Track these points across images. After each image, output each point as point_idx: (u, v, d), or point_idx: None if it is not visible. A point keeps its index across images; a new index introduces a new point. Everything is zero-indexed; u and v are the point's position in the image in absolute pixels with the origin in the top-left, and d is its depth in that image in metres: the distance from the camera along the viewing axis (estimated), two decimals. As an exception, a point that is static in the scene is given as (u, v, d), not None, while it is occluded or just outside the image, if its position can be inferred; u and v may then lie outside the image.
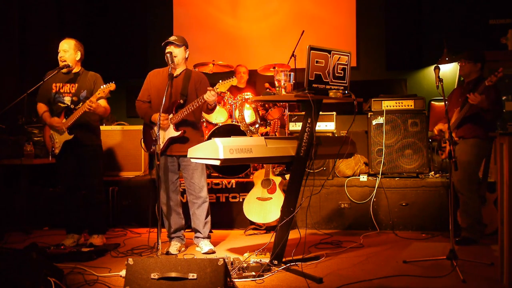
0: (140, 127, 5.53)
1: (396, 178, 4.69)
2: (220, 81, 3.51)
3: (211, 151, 2.84)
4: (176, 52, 3.67)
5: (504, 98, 4.93)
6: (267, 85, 5.62)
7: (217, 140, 2.82)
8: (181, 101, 3.66)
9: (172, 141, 3.67)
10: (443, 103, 3.89)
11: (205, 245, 3.76)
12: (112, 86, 3.73)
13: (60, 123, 3.88)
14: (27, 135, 4.93)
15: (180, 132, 3.64)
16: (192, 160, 3.17)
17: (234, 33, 6.85)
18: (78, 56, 3.98)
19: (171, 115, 3.64)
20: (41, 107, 4.02)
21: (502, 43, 5.41)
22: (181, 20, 6.95)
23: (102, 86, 3.75)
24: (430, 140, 4.84)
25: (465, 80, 4.12)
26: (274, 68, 5.57)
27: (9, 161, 4.66)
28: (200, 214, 3.78)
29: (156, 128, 3.57)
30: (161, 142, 3.62)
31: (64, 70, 3.95)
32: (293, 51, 5.52)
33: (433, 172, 4.93)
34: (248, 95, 5.17)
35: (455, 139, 3.94)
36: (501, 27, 5.63)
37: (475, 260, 3.31)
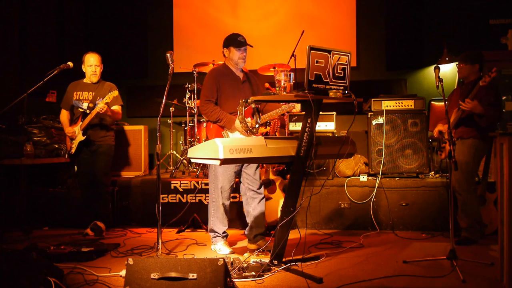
0: (140, 127, 5.61)
1: (396, 178, 4.69)
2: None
3: (211, 151, 2.84)
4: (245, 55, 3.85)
5: (504, 98, 4.91)
6: (267, 85, 5.62)
7: (217, 140, 2.82)
8: (258, 106, 3.75)
9: None
10: (443, 103, 3.89)
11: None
12: (115, 92, 4.24)
13: (71, 132, 4.40)
14: (27, 135, 4.93)
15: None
16: (192, 160, 3.17)
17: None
18: (102, 68, 4.55)
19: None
20: (63, 114, 4.56)
21: (502, 43, 5.40)
22: (181, 20, 6.94)
23: (109, 93, 4.19)
24: (430, 140, 4.84)
25: (465, 81, 4.12)
26: (274, 68, 5.56)
27: (9, 161, 4.66)
28: (262, 209, 3.84)
29: (226, 130, 3.70)
30: None
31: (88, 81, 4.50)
32: (293, 51, 5.51)
33: (433, 172, 4.93)
34: (248, 95, 5.16)
35: (454, 139, 3.93)
36: (501, 27, 5.62)
37: (475, 260, 3.31)
